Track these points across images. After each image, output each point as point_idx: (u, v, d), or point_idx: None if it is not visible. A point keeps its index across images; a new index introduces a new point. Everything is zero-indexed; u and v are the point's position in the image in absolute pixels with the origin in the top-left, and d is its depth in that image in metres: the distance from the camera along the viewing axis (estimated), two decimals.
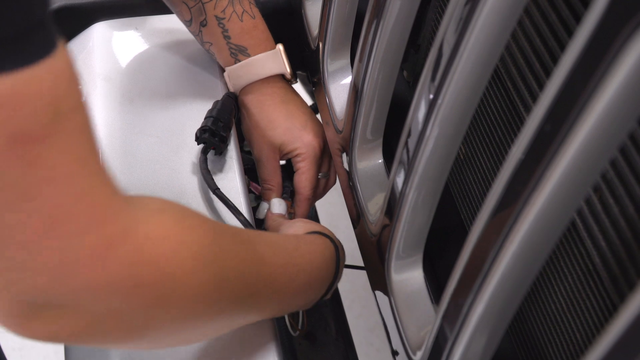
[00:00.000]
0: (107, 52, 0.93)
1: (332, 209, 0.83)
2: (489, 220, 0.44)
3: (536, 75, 0.52)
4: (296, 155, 0.88)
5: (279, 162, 0.90)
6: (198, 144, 0.83)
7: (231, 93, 0.89)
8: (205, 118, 0.84)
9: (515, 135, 0.52)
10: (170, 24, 0.97)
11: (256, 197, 0.99)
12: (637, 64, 0.31)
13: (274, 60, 0.86)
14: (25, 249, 0.39)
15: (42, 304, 0.41)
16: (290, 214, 0.90)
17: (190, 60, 0.94)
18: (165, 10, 0.93)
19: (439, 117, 0.52)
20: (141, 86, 0.90)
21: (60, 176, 0.38)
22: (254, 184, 0.97)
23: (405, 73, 0.83)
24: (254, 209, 0.92)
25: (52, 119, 0.37)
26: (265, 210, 0.90)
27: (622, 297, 0.44)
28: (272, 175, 0.90)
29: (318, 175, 0.92)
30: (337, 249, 0.71)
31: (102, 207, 0.41)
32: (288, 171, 0.93)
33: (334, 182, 0.95)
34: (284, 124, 0.87)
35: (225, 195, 0.79)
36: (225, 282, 0.52)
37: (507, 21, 0.46)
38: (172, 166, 0.81)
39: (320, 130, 0.89)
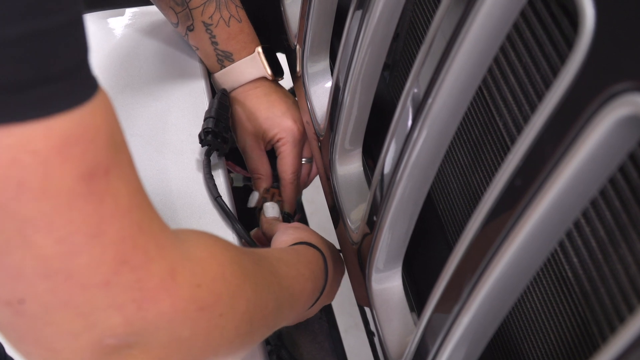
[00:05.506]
0: None
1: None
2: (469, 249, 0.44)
3: (513, 68, 0.50)
4: (277, 141, 0.90)
5: (263, 151, 0.92)
6: (202, 146, 0.82)
7: (224, 90, 0.89)
8: (205, 119, 0.83)
9: (493, 130, 0.52)
10: (148, 15, 0.96)
11: (244, 178, 1.00)
12: (605, 137, 0.32)
13: (254, 65, 0.88)
14: (100, 288, 0.37)
15: (115, 344, 0.40)
16: (279, 202, 0.91)
17: (169, 54, 0.94)
18: (142, 2, 0.92)
19: (427, 119, 0.49)
20: (121, 83, 0.89)
21: (123, 208, 0.38)
22: (236, 167, 0.98)
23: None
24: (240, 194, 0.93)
25: (113, 151, 0.37)
26: (255, 200, 0.91)
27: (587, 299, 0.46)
28: (258, 164, 0.91)
29: (301, 159, 0.93)
30: (325, 260, 0.72)
31: (161, 236, 0.41)
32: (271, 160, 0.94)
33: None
34: (264, 114, 0.89)
35: (226, 204, 0.78)
36: (260, 296, 0.52)
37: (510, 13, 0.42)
38: (158, 167, 0.81)
39: (301, 117, 0.90)
